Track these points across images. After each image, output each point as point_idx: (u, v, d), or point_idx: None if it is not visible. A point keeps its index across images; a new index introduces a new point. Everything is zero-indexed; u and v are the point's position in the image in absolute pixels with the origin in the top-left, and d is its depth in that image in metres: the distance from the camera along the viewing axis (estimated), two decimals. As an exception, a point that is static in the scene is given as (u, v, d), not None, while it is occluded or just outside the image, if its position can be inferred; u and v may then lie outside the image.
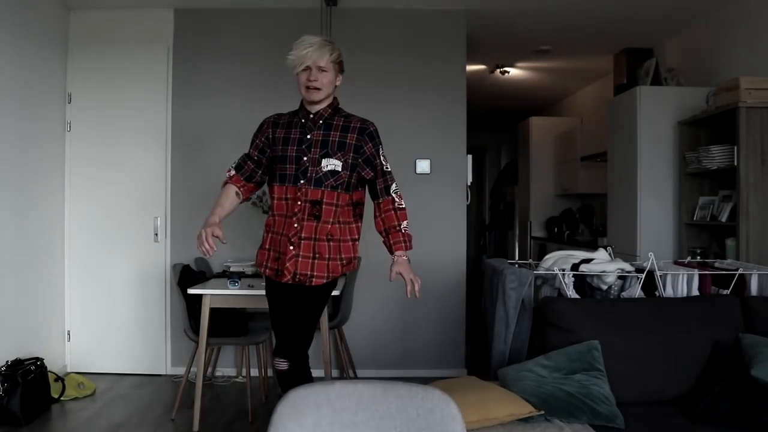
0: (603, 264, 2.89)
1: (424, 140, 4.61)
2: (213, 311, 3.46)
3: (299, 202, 2.48)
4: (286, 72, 2.57)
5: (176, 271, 3.68)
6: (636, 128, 4.47)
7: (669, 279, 2.93)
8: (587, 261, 2.92)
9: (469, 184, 4.73)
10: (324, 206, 2.48)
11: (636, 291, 2.86)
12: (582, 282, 2.92)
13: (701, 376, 2.51)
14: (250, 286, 3.47)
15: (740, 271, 2.89)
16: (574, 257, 2.98)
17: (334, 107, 2.58)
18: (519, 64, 6.35)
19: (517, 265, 3.00)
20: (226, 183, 2.63)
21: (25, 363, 3.63)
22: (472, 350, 4.82)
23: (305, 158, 2.48)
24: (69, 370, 4.42)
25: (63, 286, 4.50)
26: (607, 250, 3.08)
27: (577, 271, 2.88)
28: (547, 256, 3.12)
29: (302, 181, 2.48)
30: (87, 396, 4.00)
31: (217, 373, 4.49)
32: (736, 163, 3.65)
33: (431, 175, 4.60)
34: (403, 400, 1.33)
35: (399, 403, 1.33)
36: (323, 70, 2.45)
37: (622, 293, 2.91)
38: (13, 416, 3.40)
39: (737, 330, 2.58)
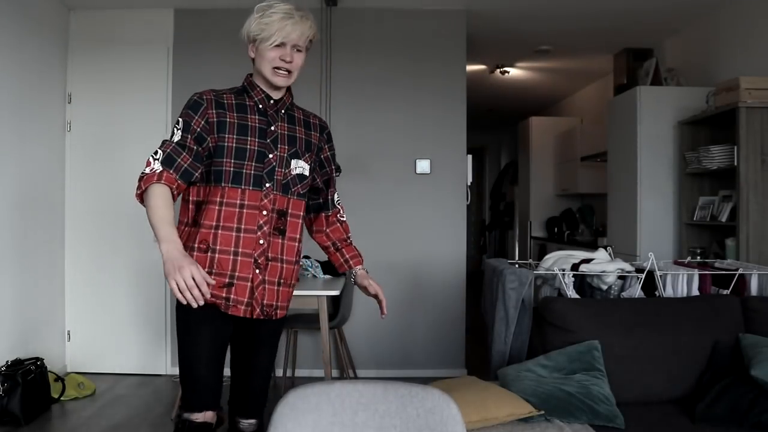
0: (603, 264, 2.89)
1: (424, 140, 4.61)
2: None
3: (264, 212, 1.93)
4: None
5: (176, 271, 3.67)
6: (636, 128, 4.47)
7: (669, 279, 2.93)
8: (587, 261, 2.92)
9: (469, 184, 4.74)
10: (289, 218, 1.98)
11: (636, 291, 2.86)
12: (582, 282, 2.92)
13: (701, 376, 2.51)
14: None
15: (740, 271, 2.89)
16: (574, 257, 2.98)
17: (292, 97, 2.06)
18: (519, 64, 6.35)
19: (517, 265, 3.00)
20: (149, 183, 1.86)
21: (25, 363, 3.63)
22: (472, 350, 4.83)
23: (271, 156, 1.94)
24: (69, 370, 4.42)
25: (63, 286, 4.50)
26: (607, 250, 3.08)
27: (577, 271, 2.88)
28: (547, 256, 3.12)
29: (268, 185, 1.93)
30: (87, 396, 4.00)
31: (217, 373, 4.49)
32: (736, 163, 3.65)
33: (431, 175, 4.60)
34: (403, 400, 1.33)
35: (399, 403, 1.33)
36: (299, 50, 1.92)
37: (622, 293, 2.91)
38: (13, 416, 3.40)
39: (737, 330, 2.58)
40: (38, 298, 4.16)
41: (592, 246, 5.02)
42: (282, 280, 1.99)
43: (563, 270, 2.86)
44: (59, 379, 3.90)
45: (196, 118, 1.91)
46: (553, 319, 2.59)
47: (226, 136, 1.90)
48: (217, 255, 1.89)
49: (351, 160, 4.48)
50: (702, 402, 2.35)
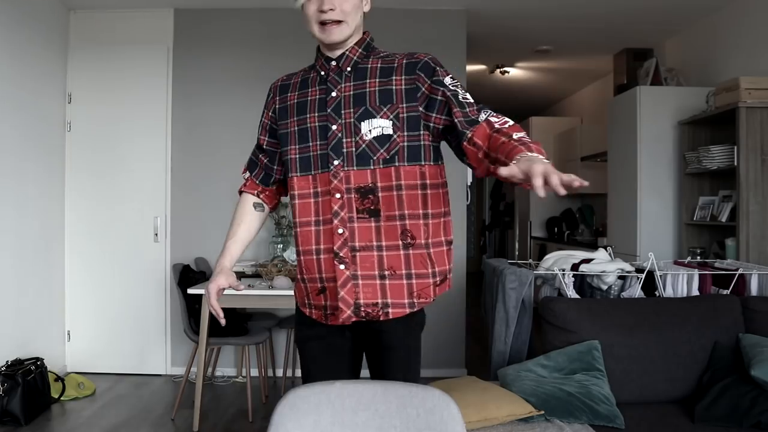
0: (603, 264, 2.90)
1: (424, 140, 4.60)
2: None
3: (338, 195, 1.61)
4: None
5: (176, 271, 3.68)
6: (636, 128, 4.47)
7: (669, 279, 2.93)
8: (587, 261, 2.92)
9: (469, 184, 4.73)
10: (381, 194, 1.60)
11: (636, 291, 2.86)
12: (582, 282, 2.92)
13: (701, 376, 2.51)
14: (250, 286, 3.47)
15: (740, 271, 2.89)
16: (574, 257, 2.99)
17: (366, 44, 1.74)
18: (519, 64, 6.35)
19: (517, 265, 3.00)
20: (240, 191, 1.84)
21: (25, 363, 3.63)
22: (472, 350, 4.82)
23: (335, 127, 1.62)
24: (69, 370, 4.42)
25: (63, 286, 4.50)
26: (607, 250, 3.09)
27: (577, 271, 2.88)
28: (547, 256, 3.13)
29: (337, 162, 1.61)
30: (87, 396, 3.99)
31: (217, 373, 4.49)
32: (736, 163, 3.65)
33: (431, 175, 4.59)
34: (403, 400, 1.33)
35: (399, 403, 1.33)
36: None
37: (622, 293, 2.91)
38: (13, 416, 3.40)
39: (737, 330, 2.59)
40: (38, 299, 4.16)
41: (592, 246, 5.02)
42: (387, 272, 1.62)
43: (563, 270, 2.86)
44: (59, 379, 3.90)
45: (266, 111, 1.77)
46: (553, 319, 2.59)
47: (288, 120, 1.69)
48: (302, 257, 1.67)
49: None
50: (702, 402, 2.35)
